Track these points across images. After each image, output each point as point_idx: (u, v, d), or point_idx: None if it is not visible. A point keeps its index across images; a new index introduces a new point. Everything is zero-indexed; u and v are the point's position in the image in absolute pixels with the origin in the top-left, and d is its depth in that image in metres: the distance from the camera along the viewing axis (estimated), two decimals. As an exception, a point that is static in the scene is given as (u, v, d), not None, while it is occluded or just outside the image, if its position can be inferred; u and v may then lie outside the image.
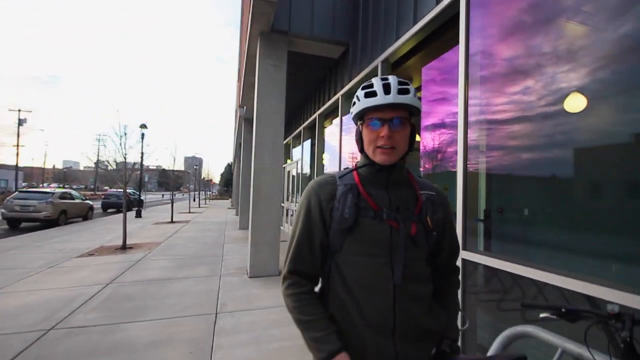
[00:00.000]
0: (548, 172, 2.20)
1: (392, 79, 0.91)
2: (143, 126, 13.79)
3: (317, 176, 5.57)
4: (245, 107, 9.65)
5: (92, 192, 43.64)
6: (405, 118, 0.90)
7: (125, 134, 7.26)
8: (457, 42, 2.97)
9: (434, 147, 3.45)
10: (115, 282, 4.46)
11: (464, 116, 2.69)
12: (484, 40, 2.66)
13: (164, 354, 2.60)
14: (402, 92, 0.88)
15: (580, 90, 1.92)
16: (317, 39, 5.20)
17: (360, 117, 0.96)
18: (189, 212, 18.00)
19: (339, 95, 5.73)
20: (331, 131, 6.76)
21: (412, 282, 0.90)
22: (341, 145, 5.69)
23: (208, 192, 40.81)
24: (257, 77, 5.06)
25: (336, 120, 6.53)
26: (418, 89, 3.88)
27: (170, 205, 13.58)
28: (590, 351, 1.15)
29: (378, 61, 4.22)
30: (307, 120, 8.03)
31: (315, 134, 7.44)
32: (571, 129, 2.04)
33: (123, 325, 3.10)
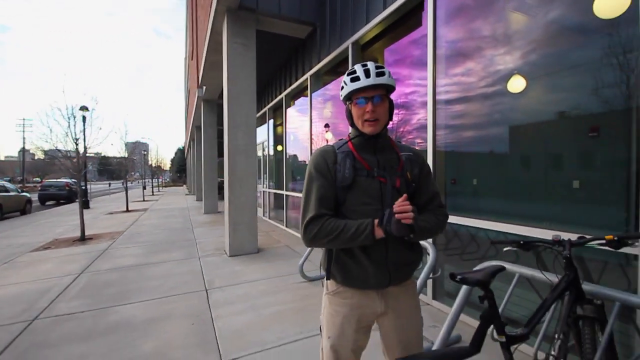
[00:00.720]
0: (491, 148, 2.67)
1: (371, 65, 1.15)
2: (84, 108, 12.54)
3: (286, 156, 5.79)
4: (205, 88, 9.28)
5: (21, 184, 38.69)
6: (383, 95, 1.16)
7: (74, 117, 6.66)
8: (419, 27, 3.30)
9: (393, 124, 3.79)
10: (88, 272, 4.30)
11: (433, 99, 3.04)
12: (447, 28, 2.99)
13: (166, 327, 2.71)
14: (379, 74, 1.13)
15: (521, 72, 2.36)
16: (284, 18, 5.21)
17: (348, 98, 1.20)
18: (143, 201, 17.06)
19: (307, 75, 5.84)
20: (297, 110, 6.88)
21: None
22: (311, 123, 5.87)
23: (159, 179, 38.39)
24: (226, 57, 4.97)
25: (300, 101, 6.67)
26: None
27: (118, 194, 12.82)
28: (542, 271, 1.56)
29: (348, 42, 4.42)
30: (272, 100, 8.02)
31: (283, 114, 7.50)
32: (510, 108, 2.49)
33: (114, 308, 3.11)
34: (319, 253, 4.66)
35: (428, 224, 1.16)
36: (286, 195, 7.28)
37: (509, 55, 2.46)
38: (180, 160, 65.24)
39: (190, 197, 19.54)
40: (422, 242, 2.24)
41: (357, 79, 1.14)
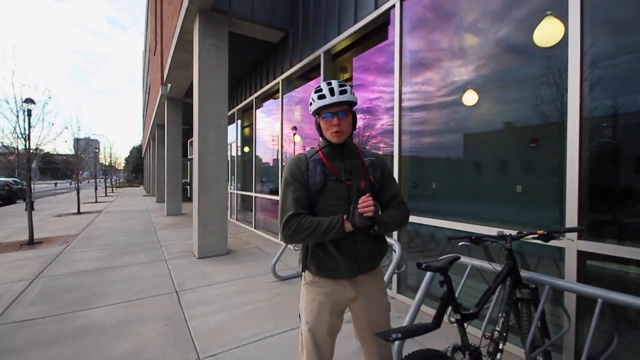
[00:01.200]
0: (448, 154, 3.02)
1: (335, 83, 1.32)
2: (29, 101, 11.50)
3: (255, 157, 5.88)
4: (170, 85, 8.99)
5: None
6: (347, 109, 1.34)
7: (24, 111, 6.16)
8: (386, 39, 3.59)
9: (359, 129, 4.06)
10: (43, 277, 4.04)
11: (399, 106, 3.33)
12: (411, 43, 3.29)
13: (138, 328, 2.69)
14: (342, 92, 1.30)
15: (474, 86, 2.71)
16: (257, 22, 5.29)
17: (317, 112, 1.36)
18: (96, 202, 15.93)
19: (279, 79, 5.96)
20: (267, 113, 6.95)
21: None
22: (282, 126, 5.99)
23: (113, 179, 35.85)
24: (197, 57, 4.94)
25: (270, 103, 6.77)
26: (350, 78, 4.46)
27: (66, 194, 11.91)
28: (489, 262, 1.84)
29: (321, 51, 4.62)
30: (242, 101, 8.00)
31: (252, 116, 7.52)
32: (464, 117, 2.84)
33: (79, 313, 2.99)
34: (289, 254, 4.79)
35: (390, 217, 1.34)
36: (255, 196, 7.30)
37: (464, 69, 2.81)
38: (136, 159, 61.40)
39: (149, 198, 18.57)
40: (389, 240, 2.48)
41: (323, 96, 1.30)
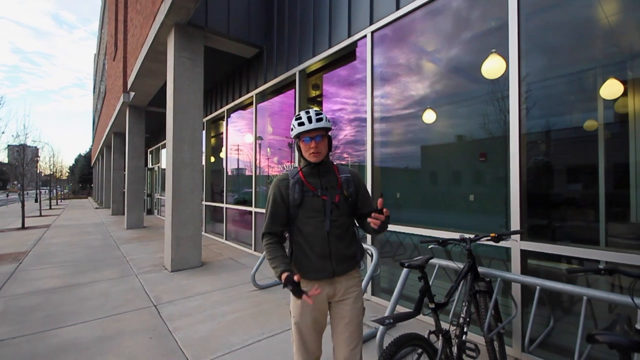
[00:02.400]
0: (410, 165, 3.46)
1: (312, 112, 1.53)
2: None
3: (227, 169, 6.07)
4: (133, 94, 8.72)
5: None
6: (323, 134, 1.54)
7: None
8: (358, 62, 3.99)
9: (338, 140, 4.41)
10: (2, 297, 3.77)
11: (371, 122, 3.70)
12: (381, 69, 3.71)
13: (122, 344, 2.68)
14: (319, 120, 1.50)
15: (432, 107, 3.18)
16: (233, 38, 5.47)
17: (297, 136, 1.56)
18: (41, 216, 14.56)
19: (252, 93, 6.14)
20: (240, 125, 7.06)
21: (337, 229, 1.53)
22: (256, 138, 6.15)
23: (58, 190, 32.71)
24: (172, 69, 4.97)
25: (243, 116, 6.91)
26: (321, 94, 4.82)
27: (1, 208, 10.77)
28: (453, 261, 2.20)
29: (296, 70, 4.91)
30: (212, 112, 8.00)
31: (224, 127, 7.56)
32: (426, 133, 3.30)
33: (52, 332, 2.89)
34: (266, 264, 4.92)
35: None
36: (226, 208, 7.29)
37: (426, 91, 3.26)
38: (83, 169, 56.59)
39: (102, 210, 17.33)
40: (365, 246, 2.78)
41: (302, 123, 1.51)
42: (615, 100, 2.16)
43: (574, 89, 2.37)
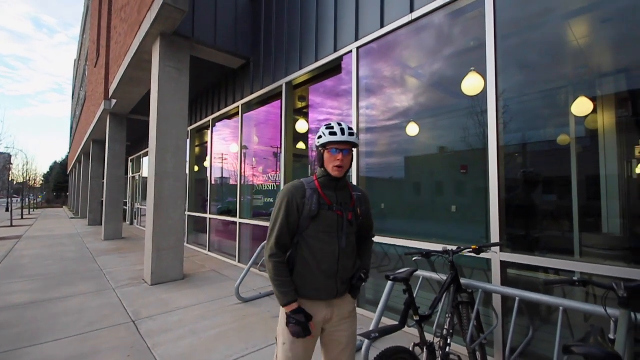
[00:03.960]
0: (394, 176, 3.54)
1: (345, 125, 1.48)
2: None
3: (211, 179, 6.00)
4: (115, 101, 8.53)
5: None
6: (350, 149, 1.48)
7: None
8: (343, 75, 4.07)
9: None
10: (-36, 315, 3.54)
11: (356, 130, 3.75)
12: (367, 82, 3.80)
13: (98, 362, 2.56)
14: (351, 134, 1.46)
15: (415, 119, 3.27)
16: (219, 49, 5.47)
17: (323, 145, 1.48)
18: (12, 226, 13.85)
19: (239, 103, 6.13)
20: (225, 135, 7.01)
21: (348, 246, 1.50)
22: (242, 148, 6.12)
23: (31, 199, 31.21)
24: (157, 78, 4.91)
25: (228, 125, 6.88)
26: (307, 105, 4.88)
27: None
28: (437, 273, 2.23)
29: (282, 82, 4.96)
30: (197, 122, 7.92)
31: (208, 137, 7.49)
32: (408, 143, 3.39)
33: (24, 350, 2.73)
34: (250, 276, 4.84)
35: (369, 260, 1.66)
36: (210, 218, 7.16)
37: (410, 104, 3.36)
38: (58, 177, 54.38)
39: (78, 221, 16.64)
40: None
41: (334, 133, 1.44)
42: (585, 117, 2.30)
43: (548, 104, 2.51)
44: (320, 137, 1.50)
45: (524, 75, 2.61)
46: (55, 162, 62.18)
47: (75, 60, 33.81)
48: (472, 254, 2.12)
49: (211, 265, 5.98)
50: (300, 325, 1.29)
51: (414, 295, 1.77)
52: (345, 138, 1.44)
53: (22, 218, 18.87)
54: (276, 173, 5.35)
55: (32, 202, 31.48)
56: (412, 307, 1.70)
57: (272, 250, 1.44)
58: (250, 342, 2.88)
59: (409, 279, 1.70)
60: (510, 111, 2.60)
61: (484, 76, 2.70)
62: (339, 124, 1.48)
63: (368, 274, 1.59)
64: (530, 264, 2.32)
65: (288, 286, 1.40)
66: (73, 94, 33.06)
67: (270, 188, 5.47)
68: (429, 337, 2.08)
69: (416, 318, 1.73)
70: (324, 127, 1.50)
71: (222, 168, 7.13)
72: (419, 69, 3.36)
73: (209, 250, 7.15)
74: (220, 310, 3.66)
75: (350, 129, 1.48)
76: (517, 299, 1.90)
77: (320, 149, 1.51)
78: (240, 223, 5.96)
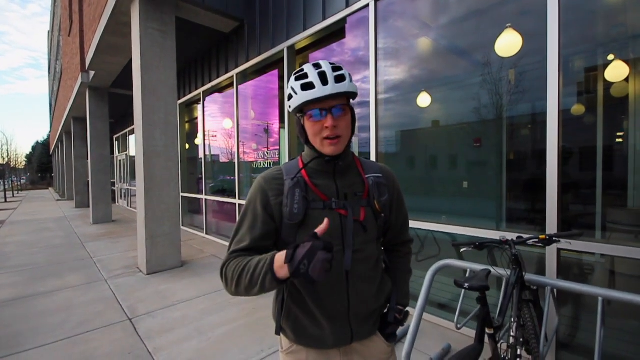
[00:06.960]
0: (423, 151, 3.14)
1: (326, 67, 0.88)
2: None
3: (205, 156, 5.43)
4: (93, 73, 7.74)
5: None
6: (344, 105, 0.90)
7: None
8: (358, 34, 3.54)
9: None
10: None
11: (375, 105, 3.28)
12: (385, 40, 3.27)
13: (91, 375, 2.21)
14: (339, 79, 0.87)
15: (428, 89, 2.87)
16: (208, 8, 4.78)
17: (299, 110, 0.92)
18: (-7, 210, 13.20)
19: (233, 73, 5.51)
20: (219, 108, 6.42)
21: (363, 264, 0.95)
22: (238, 123, 5.59)
23: (14, 181, 30.04)
24: (138, 43, 4.26)
25: (222, 98, 6.29)
26: None
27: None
28: (492, 267, 1.88)
29: (284, 46, 4.36)
30: (186, 95, 7.25)
31: (200, 111, 6.87)
32: (430, 112, 2.96)
33: (5, 359, 2.35)
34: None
35: (407, 285, 1.11)
36: (205, 199, 6.72)
37: (433, 68, 2.88)
38: (42, 157, 52.50)
39: (65, 203, 15.98)
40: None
41: (309, 85, 0.86)
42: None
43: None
44: (290, 96, 0.92)
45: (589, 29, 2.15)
46: (37, 142, 59.89)
47: (48, 32, 31.44)
48: (539, 245, 1.75)
49: (210, 250, 5.61)
50: (318, 263, 0.72)
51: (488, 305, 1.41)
52: (330, 89, 0.85)
53: (6, 201, 18.11)
54: (278, 149, 4.88)
55: (15, 184, 30.37)
56: (487, 320, 1.35)
57: (229, 259, 0.93)
58: (265, 342, 2.55)
59: (487, 286, 1.33)
60: (572, 70, 2.16)
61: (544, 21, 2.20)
62: (317, 66, 0.90)
63: (407, 311, 1.06)
64: (599, 252, 1.98)
65: (258, 258, 0.84)
66: (49, 69, 31.00)
67: (270, 165, 5.01)
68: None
69: (490, 331, 1.38)
70: (293, 78, 0.92)
71: (217, 146, 6.59)
72: (452, 26, 2.83)
73: (206, 233, 6.77)
74: (226, 303, 3.31)
75: (337, 69, 0.89)
76: (601, 299, 1.56)
77: (297, 115, 0.95)
78: (239, 204, 5.54)
